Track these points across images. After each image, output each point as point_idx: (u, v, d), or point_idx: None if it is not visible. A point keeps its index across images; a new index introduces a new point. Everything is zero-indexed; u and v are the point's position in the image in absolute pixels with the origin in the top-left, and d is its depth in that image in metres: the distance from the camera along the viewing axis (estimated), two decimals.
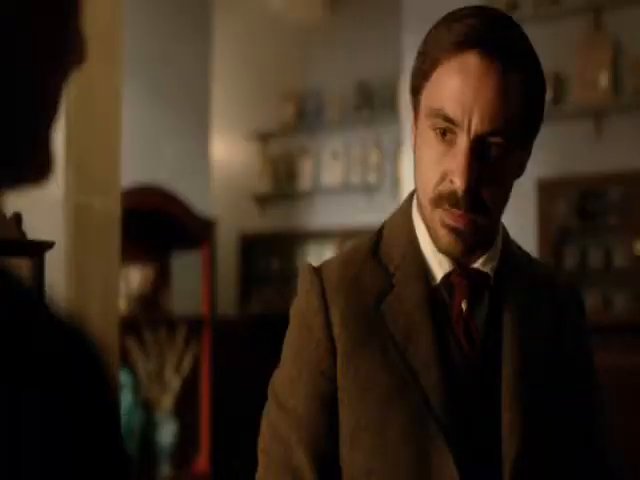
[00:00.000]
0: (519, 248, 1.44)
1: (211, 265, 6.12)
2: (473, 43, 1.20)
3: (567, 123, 5.46)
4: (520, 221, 5.51)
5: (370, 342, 1.30)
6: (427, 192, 1.26)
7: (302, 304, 1.35)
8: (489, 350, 1.32)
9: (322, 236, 7.21)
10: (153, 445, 5.63)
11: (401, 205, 1.41)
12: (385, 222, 1.42)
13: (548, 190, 5.46)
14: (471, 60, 1.20)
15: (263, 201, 7.61)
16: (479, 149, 1.22)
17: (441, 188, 1.24)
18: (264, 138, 7.61)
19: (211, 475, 5.77)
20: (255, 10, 7.66)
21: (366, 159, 6.94)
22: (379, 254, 1.36)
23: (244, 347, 6.83)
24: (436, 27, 1.27)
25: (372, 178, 6.85)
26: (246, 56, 7.78)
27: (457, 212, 1.24)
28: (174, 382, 5.65)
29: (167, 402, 5.63)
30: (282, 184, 7.50)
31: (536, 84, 1.28)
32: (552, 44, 5.57)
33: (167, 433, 5.61)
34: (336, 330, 1.30)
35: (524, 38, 1.28)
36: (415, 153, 1.30)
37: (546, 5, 5.59)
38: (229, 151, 7.78)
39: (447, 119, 1.22)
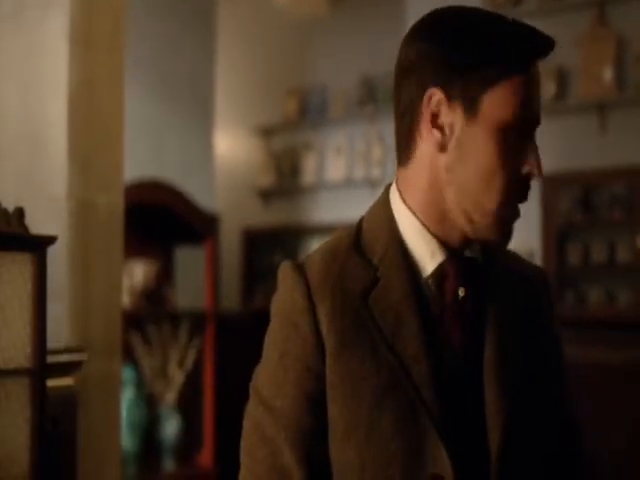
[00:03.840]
0: None
1: (214, 260, 6.12)
2: (540, 54, 1.32)
3: (571, 118, 5.46)
4: (524, 215, 5.50)
5: (359, 338, 1.29)
6: (498, 190, 1.30)
7: (286, 303, 1.34)
8: (475, 340, 1.33)
9: (325, 231, 7.21)
10: (157, 440, 5.64)
11: (378, 198, 1.42)
12: (363, 216, 1.42)
13: (552, 184, 5.45)
14: (536, 69, 1.32)
15: (266, 196, 7.61)
16: None
17: (519, 185, 1.32)
18: (267, 133, 7.61)
19: (215, 469, 5.78)
20: (259, 5, 7.66)
21: (369, 154, 6.94)
22: (361, 248, 1.36)
23: (247, 342, 6.82)
24: (480, 31, 1.32)
25: (375, 173, 6.85)
26: (250, 51, 7.78)
27: (524, 200, 1.35)
28: (178, 377, 5.66)
29: (171, 397, 5.63)
30: (285, 179, 7.50)
31: None
32: (555, 38, 5.56)
33: (171, 428, 5.62)
34: (324, 328, 1.30)
35: None
36: (459, 151, 1.31)
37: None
38: (233, 146, 7.79)
39: (531, 122, 1.32)
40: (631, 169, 5.26)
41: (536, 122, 1.32)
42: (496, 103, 1.28)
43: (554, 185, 5.46)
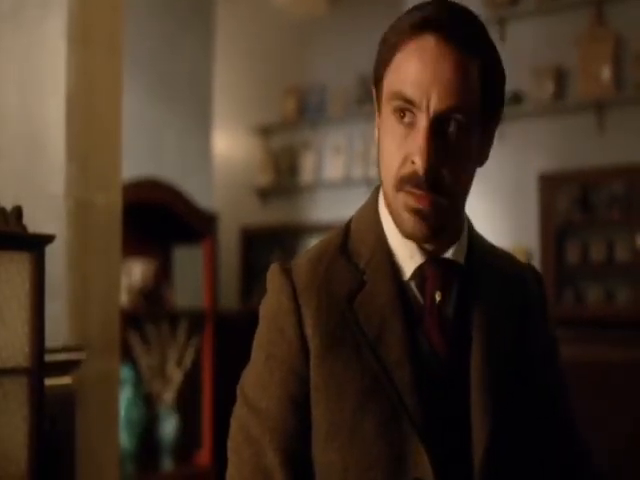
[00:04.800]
0: (482, 237, 1.44)
1: (213, 259, 6.12)
2: (430, 27, 1.23)
3: (569, 117, 5.45)
4: (522, 215, 5.51)
5: (343, 341, 1.29)
6: (389, 177, 1.27)
7: (273, 305, 1.34)
8: (460, 342, 1.32)
9: (323, 230, 7.20)
10: (155, 439, 5.64)
11: (367, 200, 1.42)
12: (352, 218, 1.42)
13: (550, 184, 5.45)
14: (427, 42, 1.22)
15: (265, 195, 7.60)
16: (438, 128, 1.23)
17: (403, 171, 1.25)
18: (266, 132, 7.61)
19: (213, 469, 5.77)
20: (258, 5, 7.65)
21: (368, 153, 6.94)
22: (348, 251, 1.36)
23: (246, 341, 6.81)
24: (399, 17, 1.30)
25: (374, 172, 6.84)
26: (248, 50, 7.77)
27: (419, 192, 1.24)
28: (176, 376, 5.65)
29: (169, 396, 5.63)
30: (284, 178, 7.50)
31: (494, 71, 1.29)
32: (554, 38, 5.57)
33: (169, 427, 5.61)
34: (309, 330, 1.30)
35: (482, 27, 1.29)
36: (379, 145, 1.31)
37: None
38: (231, 145, 7.78)
39: (406, 100, 1.23)
40: (630, 168, 5.26)
41: (426, 105, 1.22)
42: (387, 84, 1.28)
43: (553, 184, 5.46)
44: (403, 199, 1.26)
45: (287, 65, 7.60)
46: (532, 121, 5.42)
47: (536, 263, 5.36)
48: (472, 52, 1.24)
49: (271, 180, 7.54)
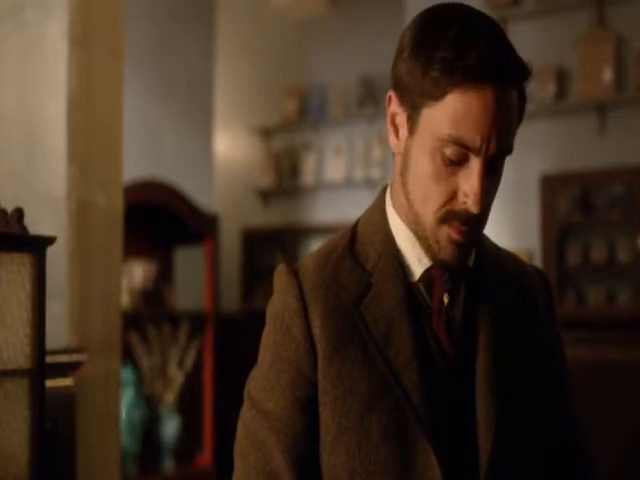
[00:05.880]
0: (488, 238, 1.44)
1: (214, 260, 6.13)
2: (489, 76, 1.20)
3: (570, 118, 5.45)
4: (523, 215, 5.51)
5: (351, 343, 1.29)
6: (431, 208, 1.26)
7: (280, 306, 1.33)
8: (466, 344, 1.32)
9: (325, 231, 7.21)
10: (156, 440, 5.64)
11: (374, 202, 1.41)
12: (359, 219, 1.41)
13: (551, 185, 5.45)
14: (487, 93, 1.20)
15: (266, 196, 7.61)
16: (488, 166, 1.24)
17: (453, 207, 1.24)
18: (267, 133, 7.61)
19: (214, 470, 5.78)
20: (258, 5, 7.66)
21: (369, 154, 6.94)
22: (355, 252, 1.35)
23: (247, 342, 6.82)
24: (433, 42, 1.22)
25: (375, 173, 6.85)
26: (249, 51, 7.78)
27: (464, 228, 1.25)
28: (177, 377, 5.66)
29: (170, 397, 5.63)
30: (285, 179, 7.51)
31: (524, 89, 1.28)
32: (555, 39, 5.57)
33: (170, 428, 5.62)
34: (316, 332, 1.29)
35: (514, 49, 1.26)
36: (409, 163, 1.29)
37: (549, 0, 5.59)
38: (232, 146, 7.79)
39: (465, 147, 1.22)
40: (630, 169, 5.26)
41: (484, 150, 1.21)
42: (432, 119, 1.23)
43: (553, 185, 5.46)
44: (447, 232, 1.26)
45: (288, 66, 7.61)
46: (533, 122, 5.41)
47: (537, 264, 5.36)
48: (517, 84, 1.24)
49: (272, 181, 7.55)
